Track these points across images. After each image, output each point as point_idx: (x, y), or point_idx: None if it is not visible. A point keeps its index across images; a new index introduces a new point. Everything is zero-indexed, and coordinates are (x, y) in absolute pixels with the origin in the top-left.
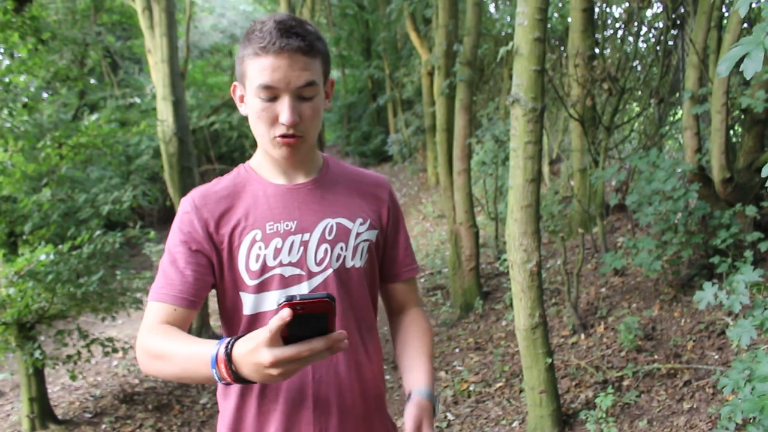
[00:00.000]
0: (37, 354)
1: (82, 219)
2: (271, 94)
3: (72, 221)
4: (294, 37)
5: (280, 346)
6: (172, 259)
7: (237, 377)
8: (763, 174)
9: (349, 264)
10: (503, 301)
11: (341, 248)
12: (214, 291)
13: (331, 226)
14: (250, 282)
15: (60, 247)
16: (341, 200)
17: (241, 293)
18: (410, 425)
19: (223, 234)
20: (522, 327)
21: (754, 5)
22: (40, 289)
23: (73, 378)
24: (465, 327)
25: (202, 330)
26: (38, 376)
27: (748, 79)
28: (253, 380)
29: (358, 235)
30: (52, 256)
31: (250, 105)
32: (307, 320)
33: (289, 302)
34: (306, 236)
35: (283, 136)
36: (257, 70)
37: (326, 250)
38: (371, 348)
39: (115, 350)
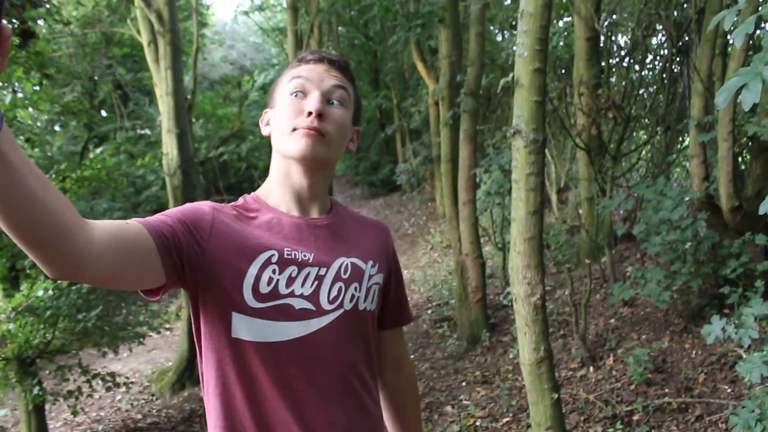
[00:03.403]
0: (36, 390)
1: None
2: (302, 88)
3: None
4: (332, 56)
5: None
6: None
7: None
8: (761, 211)
9: (362, 306)
10: (510, 333)
11: (355, 289)
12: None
13: (347, 265)
14: (254, 304)
15: (59, 282)
16: (354, 241)
17: (234, 313)
18: None
19: (213, 244)
20: (527, 362)
21: (758, 32)
22: (40, 325)
23: (75, 413)
24: (472, 360)
25: None
26: (38, 412)
27: (746, 110)
28: None
29: (370, 277)
30: (50, 292)
31: (278, 106)
32: None
33: None
34: (322, 271)
35: (307, 126)
36: (291, 74)
37: (340, 289)
38: (375, 393)
39: (117, 385)
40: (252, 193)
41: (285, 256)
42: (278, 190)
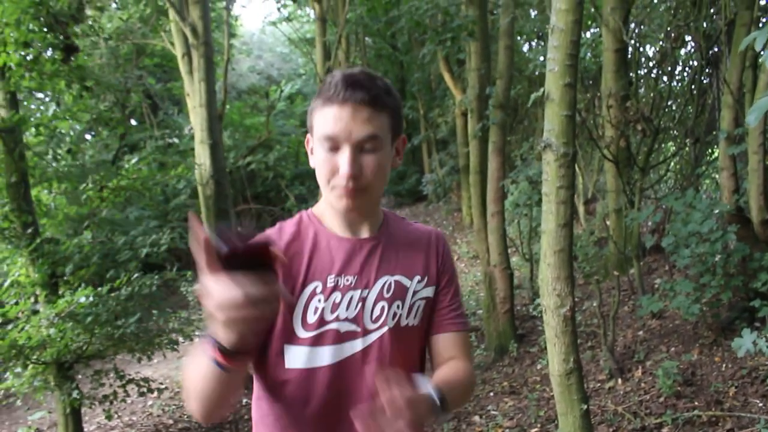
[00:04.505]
0: (74, 394)
1: (120, 261)
2: (333, 144)
3: (111, 263)
4: (359, 89)
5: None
6: None
7: (216, 344)
8: None
9: (404, 323)
10: (538, 344)
11: (398, 306)
12: None
13: (390, 283)
14: (304, 334)
15: (99, 289)
16: (401, 257)
17: (286, 345)
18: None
19: (282, 283)
20: (556, 373)
21: None
22: (80, 330)
23: (109, 417)
24: (499, 370)
25: None
26: (75, 416)
27: None
28: (216, 332)
29: (415, 293)
30: (91, 298)
31: (315, 154)
32: (244, 264)
33: (221, 235)
34: (365, 292)
35: (343, 187)
36: (321, 120)
37: (383, 308)
38: None
39: (150, 390)
40: (309, 210)
41: (328, 284)
42: (329, 212)
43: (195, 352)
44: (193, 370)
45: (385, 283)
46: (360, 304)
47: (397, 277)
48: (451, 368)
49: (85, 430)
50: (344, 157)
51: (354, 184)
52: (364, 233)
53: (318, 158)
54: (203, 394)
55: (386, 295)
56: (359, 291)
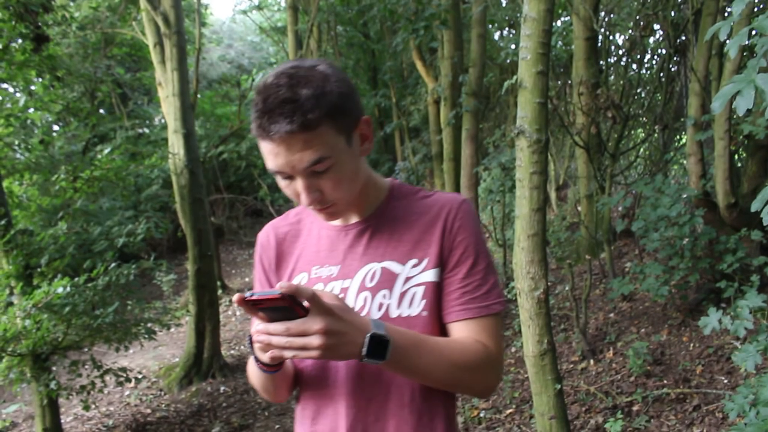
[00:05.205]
0: (52, 385)
1: (96, 251)
2: (284, 176)
3: (87, 253)
4: (281, 119)
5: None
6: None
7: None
8: (753, 208)
9: (395, 313)
10: (512, 327)
11: (384, 296)
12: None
13: (374, 271)
14: None
15: (76, 279)
16: (393, 240)
17: None
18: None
19: (280, 275)
20: (530, 354)
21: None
22: (56, 321)
23: (86, 408)
24: None
25: (213, 359)
26: (52, 407)
27: (740, 115)
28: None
29: (407, 279)
30: (68, 289)
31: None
32: (273, 312)
33: (245, 297)
34: (346, 283)
35: (312, 210)
36: (263, 151)
37: (365, 299)
38: (422, 401)
39: (128, 380)
40: None
41: (312, 276)
42: None
43: (252, 358)
44: (251, 369)
45: (368, 271)
46: (342, 296)
47: (386, 264)
48: (447, 339)
49: (62, 421)
50: (299, 185)
51: (319, 206)
52: (354, 218)
53: (280, 184)
54: (261, 387)
55: (368, 285)
56: (341, 282)
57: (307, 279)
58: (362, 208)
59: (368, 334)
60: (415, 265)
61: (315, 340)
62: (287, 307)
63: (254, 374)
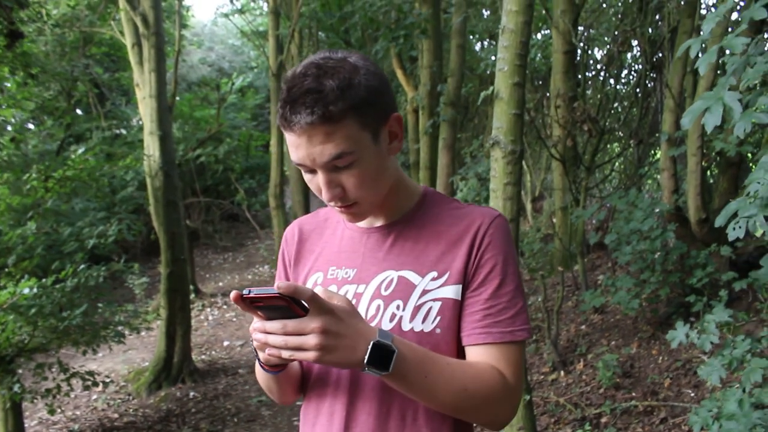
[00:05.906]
0: (16, 388)
1: (66, 252)
2: (306, 168)
3: (56, 254)
4: (303, 110)
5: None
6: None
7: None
8: (717, 224)
9: (407, 327)
10: None
11: (397, 307)
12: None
13: (391, 279)
14: None
15: (44, 280)
16: (417, 249)
17: None
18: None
19: (297, 272)
20: None
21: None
22: (22, 322)
23: (52, 412)
24: None
25: (184, 364)
26: (16, 410)
27: (708, 132)
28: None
29: (424, 292)
30: (35, 290)
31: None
32: (272, 311)
33: (242, 294)
34: (361, 288)
35: (334, 208)
36: (288, 142)
37: (378, 307)
38: (427, 419)
39: (95, 384)
40: None
41: (328, 276)
42: None
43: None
44: (256, 368)
45: (385, 278)
46: (354, 301)
47: (404, 273)
48: (461, 361)
49: (26, 425)
50: (320, 180)
51: (341, 203)
52: (380, 221)
53: (305, 178)
54: (265, 387)
55: (383, 293)
56: (355, 286)
57: (322, 279)
58: (389, 212)
59: (372, 342)
60: (434, 279)
61: (311, 339)
62: (286, 306)
63: (259, 374)
